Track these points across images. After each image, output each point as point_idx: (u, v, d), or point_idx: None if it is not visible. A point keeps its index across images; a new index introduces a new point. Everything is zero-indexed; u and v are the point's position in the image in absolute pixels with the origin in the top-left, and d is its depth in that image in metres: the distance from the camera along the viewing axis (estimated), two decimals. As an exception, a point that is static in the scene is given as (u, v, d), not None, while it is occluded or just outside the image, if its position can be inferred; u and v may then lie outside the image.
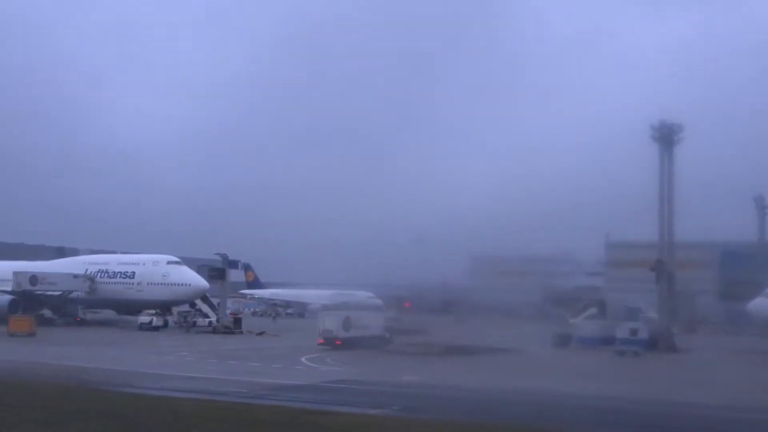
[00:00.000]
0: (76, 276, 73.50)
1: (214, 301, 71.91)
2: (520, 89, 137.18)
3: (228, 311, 75.83)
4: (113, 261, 76.64)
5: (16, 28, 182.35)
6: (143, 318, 69.84)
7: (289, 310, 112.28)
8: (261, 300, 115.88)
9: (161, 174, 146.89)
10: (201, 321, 70.69)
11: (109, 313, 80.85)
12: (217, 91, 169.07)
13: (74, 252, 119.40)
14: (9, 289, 71.08)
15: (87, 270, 75.00)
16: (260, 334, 66.96)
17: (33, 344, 51.79)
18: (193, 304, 73.31)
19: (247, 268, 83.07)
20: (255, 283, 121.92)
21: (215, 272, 70.70)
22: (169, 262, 73.57)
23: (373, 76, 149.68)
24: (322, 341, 51.37)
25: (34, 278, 70.36)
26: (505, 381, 35.40)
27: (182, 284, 71.58)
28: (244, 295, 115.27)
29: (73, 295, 73.83)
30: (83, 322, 74.14)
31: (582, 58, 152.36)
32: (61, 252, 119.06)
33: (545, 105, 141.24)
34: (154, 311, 71.52)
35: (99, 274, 74.79)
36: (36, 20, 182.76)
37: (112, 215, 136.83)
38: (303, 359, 44.16)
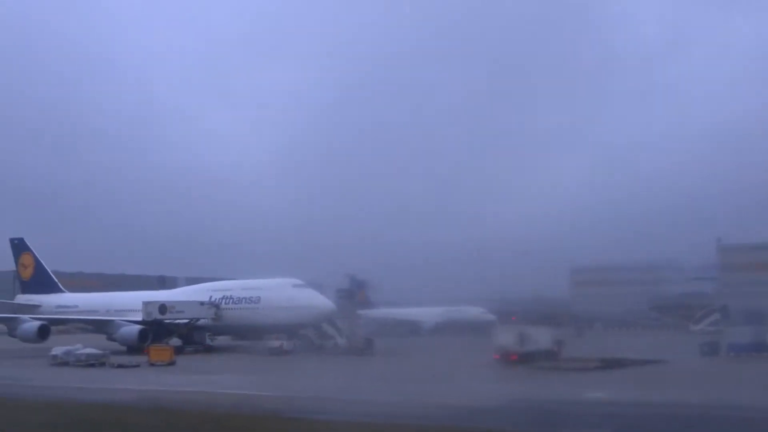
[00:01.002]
0: (202, 303, 73.00)
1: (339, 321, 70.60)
2: (616, 93, 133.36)
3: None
4: (237, 287, 75.88)
5: (106, 59, 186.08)
6: (272, 342, 68.73)
7: (400, 330, 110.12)
8: (373, 320, 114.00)
9: (261, 198, 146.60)
10: (326, 343, 69.58)
11: (222, 339, 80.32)
12: (317, 118, 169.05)
13: (173, 281, 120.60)
14: (138, 318, 71.07)
15: (211, 297, 74.46)
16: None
17: (180, 373, 51.10)
18: (318, 327, 72.04)
19: (359, 287, 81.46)
20: (365, 303, 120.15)
21: (345, 293, 69.40)
22: (294, 285, 72.43)
23: (466, 92, 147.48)
24: (497, 356, 50.25)
25: (163, 307, 70.09)
26: (686, 394, 33.63)
27: (309, 307, 70.25)
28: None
29: (200, 322, 73.26)
30: (211, 349, 73.57)
31: (680, 59, 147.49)
32: (162, 281, 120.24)
33: (640, 107, 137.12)
34: (280, 335, 70.53)
35: (224, 300, 74.09)
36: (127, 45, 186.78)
37: (208, 242, 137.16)
38: (476, 377, 42.44)
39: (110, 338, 73.47)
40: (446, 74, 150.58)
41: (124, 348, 70.64)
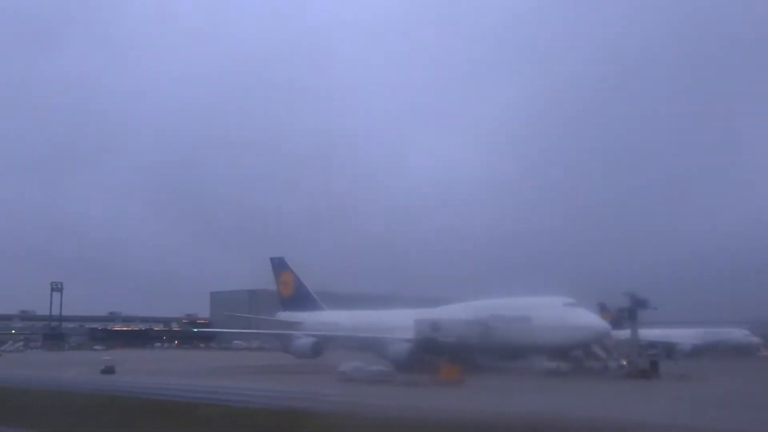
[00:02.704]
0: (470, 322, 71.82)
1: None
2: None
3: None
4: (503, 305, 74.18)
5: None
6: (549, 364, 66.67)
7: (652, 351, 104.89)
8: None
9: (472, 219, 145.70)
10: (595, 365, 66.89)
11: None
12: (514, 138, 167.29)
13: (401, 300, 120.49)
14: (409, 337, 70.93)
15: (478, 315, 73.10)
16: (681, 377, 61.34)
17: (487, 393, 49.80)
18: (587, 348, 69.24)
19: (641, 306, 77.82)
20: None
21: (625, 312, 66.24)
22: (565, 304, 69.83)
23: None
24: None
25: (435, 325, 69.62)
26: None
27: (583, 327, 67.48)
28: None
29: (468, 341, 72.09)
30: (480, 369, 72.22)
31: None
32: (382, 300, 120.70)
33: None
34: (549, 356, 68.28)
35: (491, 319, 72.56)
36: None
37: (425, 261, 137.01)
38: None
39: (380, 356, 73.78)
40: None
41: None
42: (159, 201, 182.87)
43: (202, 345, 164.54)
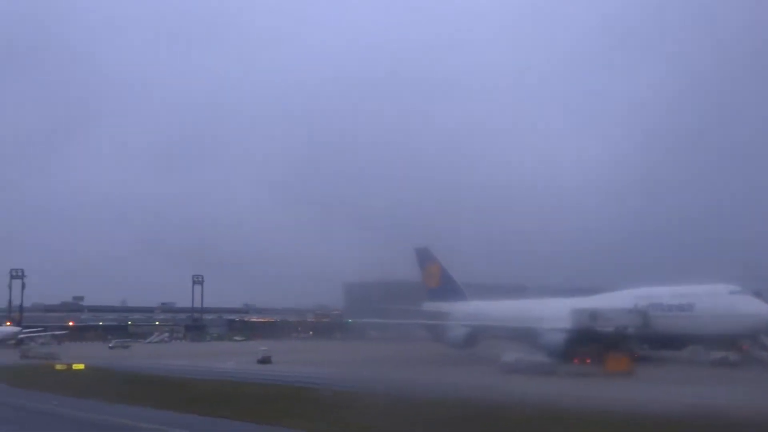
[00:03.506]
0: (630, 311, 69.78)
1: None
2: None
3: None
4: (664, 293, 71.81)
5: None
6: (715, 354, 64.00)
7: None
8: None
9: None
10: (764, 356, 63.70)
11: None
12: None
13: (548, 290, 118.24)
14: (563, 326, 69.50)
15: (636, 304, 70.96)
16: None
17: (665, 384, 48.09)
18: (755, 338, 65.99)
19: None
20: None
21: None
22: (731, 292, 66.89)
23: None
24: None
25: (593, 315, 67.94)
26: None
27: (752, 315, 64.39)
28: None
29: (627, 330, 70.03)
30: (638, 359, 70.09)
31: None
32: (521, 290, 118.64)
33: None
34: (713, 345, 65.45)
35: (651, 307, 70.32)
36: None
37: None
38: None
39: (533, 346, 72.64)
40: None
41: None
42: (290, 193, 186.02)
43: (338, 335, 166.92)
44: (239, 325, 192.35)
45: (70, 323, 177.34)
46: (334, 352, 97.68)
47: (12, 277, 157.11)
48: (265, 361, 75.70)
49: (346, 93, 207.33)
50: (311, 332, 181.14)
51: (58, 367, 71.08)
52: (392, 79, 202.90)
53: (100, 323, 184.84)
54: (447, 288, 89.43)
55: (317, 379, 51.25)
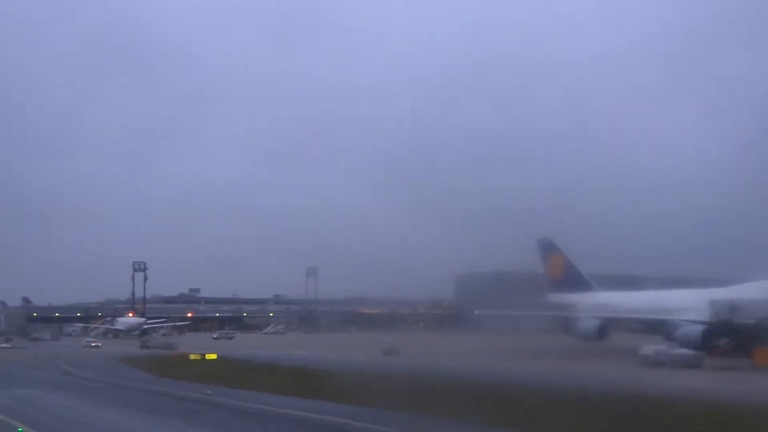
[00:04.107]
0: (774, 302, 66.70)
1: None
2: None
3: None
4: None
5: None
6: None
7: None
8: None
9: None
10: None
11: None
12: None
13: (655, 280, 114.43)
14: (700, 318, 67.19)
15: (774, 295, 67.80)
16: None
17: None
18: None
19: None
20: None
21: None
22: None
23: None
24: None
25: (733, 307, 65.36)
26: None
27: None
28: None
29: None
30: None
31: None
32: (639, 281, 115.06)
33: None
34: None
35: (797, 298, 67.04)
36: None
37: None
38: None
39: (667, 339, 70.51)
40: None
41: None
42: (401, 186, 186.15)
43: (450, 327, 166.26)
44: (350, 317, 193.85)
45: (189, 314, 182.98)
46: (454, 344, 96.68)
47: (135, 269, 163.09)
48: (390, 352, 75.59)
49: (460, 81, 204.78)
50: (422, 324, 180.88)
51: (192, 357, 72.72)
52: (499, 65, 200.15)
53: (217, 314, 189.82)
54: (571, 279, 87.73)
55: (467, 373, 48.21)
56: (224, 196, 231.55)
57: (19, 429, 27.49)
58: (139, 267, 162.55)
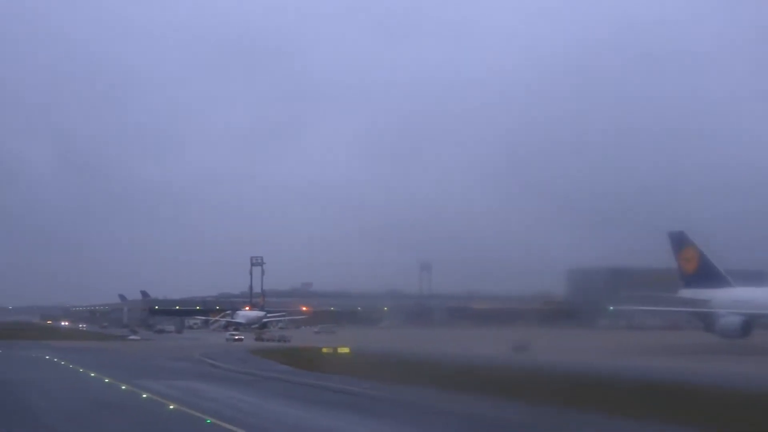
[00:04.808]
0: None
1: None
2: None
3: None
4: None
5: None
6: None
7: None
8: None
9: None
10: None
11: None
12: None
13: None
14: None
15: None
16: None
17: None
18: None
19: None
20: None
21: None
22: None
23: None
24: None
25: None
26: None
27: None
28: None
29: None
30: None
31: None
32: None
33: None
34: None
35: None
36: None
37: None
38: None
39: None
40: None
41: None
42: (512, 182, 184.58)
43: (562, 323, 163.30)
44: (463, 312, 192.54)
45: (304, 308, 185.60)
46: (579, 340, 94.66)
47: (252, 264, 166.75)
48: (521, 348, 74.13)
49: (573, 76, 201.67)
50: (535, 319, 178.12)
51: (325, 350, 73.48)
52: (617, 58, 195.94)
53: (331, 308, 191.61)
54: (706, 274, 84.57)
55: (619, 371, 45.93)
56: (337, 192, 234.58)
57: (207, 420, 27.95)
58: (257, 261, 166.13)
